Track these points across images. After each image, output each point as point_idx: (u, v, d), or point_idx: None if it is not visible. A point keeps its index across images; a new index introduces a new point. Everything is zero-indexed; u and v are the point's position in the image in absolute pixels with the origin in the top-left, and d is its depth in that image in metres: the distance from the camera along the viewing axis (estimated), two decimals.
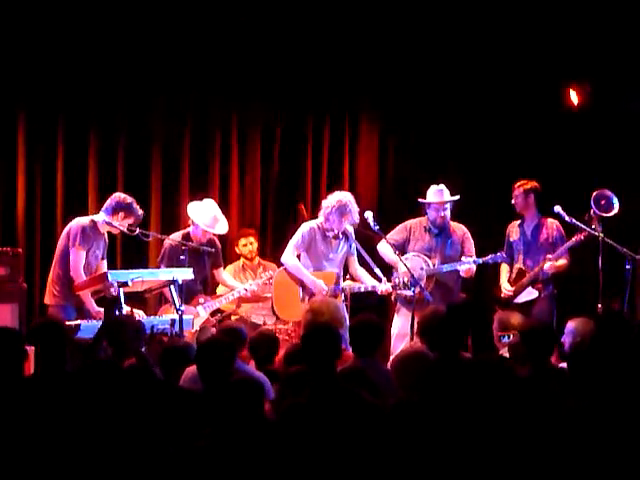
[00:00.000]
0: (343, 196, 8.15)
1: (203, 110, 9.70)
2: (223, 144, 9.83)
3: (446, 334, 5.73)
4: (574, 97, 9.75)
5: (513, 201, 8.45)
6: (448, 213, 8.34)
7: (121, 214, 7.78)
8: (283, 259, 8.23)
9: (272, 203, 10.00)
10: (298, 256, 8.24)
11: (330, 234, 8.18)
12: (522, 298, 8.33)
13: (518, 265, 8.42)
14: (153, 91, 9.43)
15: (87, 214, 8.23)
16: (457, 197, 8.37)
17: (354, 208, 8.09)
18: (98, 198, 8.94)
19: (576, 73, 9.69)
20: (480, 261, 8.18)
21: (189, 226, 8.30)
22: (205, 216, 8.22)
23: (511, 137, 9.90)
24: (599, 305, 8.07)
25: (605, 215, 8.35)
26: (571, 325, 6.51)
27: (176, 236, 8.24)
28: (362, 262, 8.26)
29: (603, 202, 8.38)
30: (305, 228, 8.24)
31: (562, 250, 8.25)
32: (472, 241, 8.39)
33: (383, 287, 8.06)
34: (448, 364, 4.99)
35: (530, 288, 8.32)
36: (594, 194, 8.41)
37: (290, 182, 10.02)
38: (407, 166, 10.18)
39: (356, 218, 8.10)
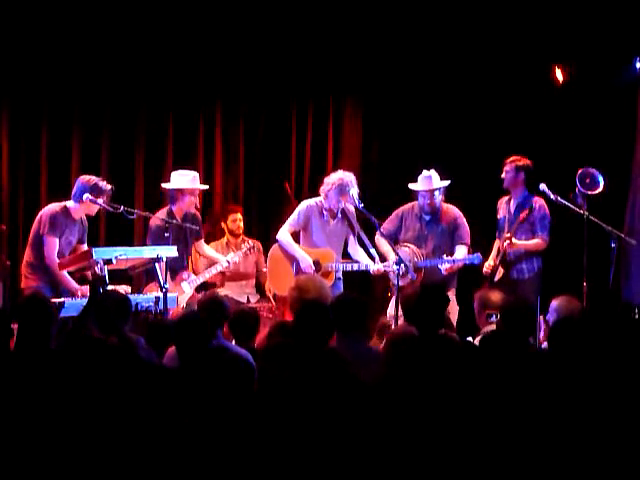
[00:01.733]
0: (345, 175, 8.11)
1: (187, 95, 9.69)
2: (206, 128, 9.85)
3: (420, 313, 5.75)
4: (559, 75, 9.73)
5: (503, 175, 8.39)
6: (438, 200, 8.26)
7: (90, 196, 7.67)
8: (278, 235, 8.23)
9: (256, 182, 9.99)
10: (296, 234, 8.22)
11: (327, 213, 8.16)
12: (496, 277, 8.23)
13: (498, 243, 8.40)
14: (138, 73, 9.42)
15: (71, 193, 8.22)
16: (447, 182, 8.31)
17: (355, 190, 8.06)
18: None
19: (561, 51, 9.66)
20: (459, 262, 8.08)
21: (167, 205, 8.26)
22: (185, 179, 8.19)
23: (496, 116, 9.83)
24: (584, 283, 8.07)
25: (590, 193, 8.32)
26: (555, 303, 6.52)
27: (160, 214, 8.21)
28: (360, 243, 8.26)
29: (588, 180, 8.35)
30: (302, 206, 8.23)
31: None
32: (466, 226, 8.29)
33: (375, 267, 8.02)
34: (426, 342, 5.00)
35: (500, 268, 8.24)
36: (579, 172, 8.39)
37: (274, 162, 10.01)
38: (391, 149, 10.13)
39: (356, 200, 8.04)
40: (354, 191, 8.03)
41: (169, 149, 9.66)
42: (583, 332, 4.85)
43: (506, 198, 8.47)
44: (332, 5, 9.57)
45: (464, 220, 8.33)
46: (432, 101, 9.96)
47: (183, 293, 8.04)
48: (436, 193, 8.25)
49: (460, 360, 4.53)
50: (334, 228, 8.21)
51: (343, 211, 8.19)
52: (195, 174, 8.32)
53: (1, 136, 9.05)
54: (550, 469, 4.01)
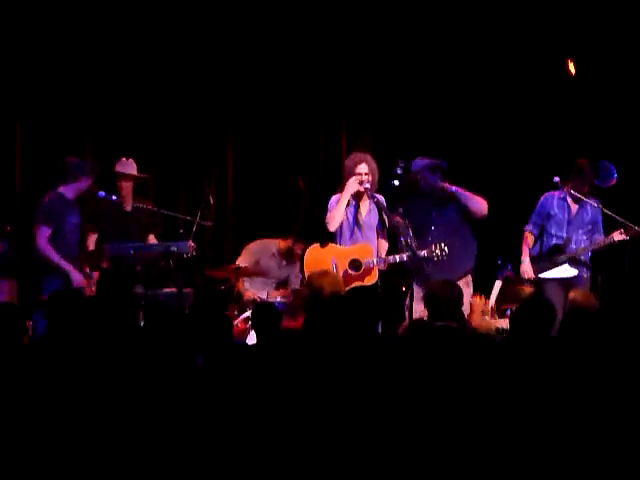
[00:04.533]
0: (360, 153, 7.94)
1: (198, 122, 9.82)
2: (218, 156, 9.99)
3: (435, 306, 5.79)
4: (572, 68, 9.71)
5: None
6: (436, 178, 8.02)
7: None
8: (330, 229, 7.84)
9: (268, 212, 10.01)
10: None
11: (355, 202, 7.85)
12: (558, 274, 8.06)
13: (555, 241, 8.18)
14: (152, 98, 9.56)
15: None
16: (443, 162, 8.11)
17: (369, 167, 7.78)
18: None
19: (574, 44, 9.65)
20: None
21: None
22: (121, 164, 8.19)
23: (507, 119, 9.84)
24: (598, 277, 8.05)
25: (604, 185, 8.28)
26: (571, 295, 6.53)
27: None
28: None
29: (602, 173, 8.32)
30: (332, 197, 7.90)
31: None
32: (467, 193, 8.00)
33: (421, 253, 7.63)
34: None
35: (567, 266, 8.07)
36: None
37: (286, 188, 9.93)
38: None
39: (364, 171, 7.73)
40: (367, 186, 7.86)
41: (180, 176, 9.80)
42: (590, 325, 4.85)
43: (559, 194, 8.25)
44: (344, 34, 9.75)
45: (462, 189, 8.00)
46: (443, 125, 9.93)
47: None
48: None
49: (466, 351, 4.52)
50: (367, 220, 7.92)
51: (377, 202, 7.84)
52: (131, 161, 8.25)
53: (15, 143, 9.09)
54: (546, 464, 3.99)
